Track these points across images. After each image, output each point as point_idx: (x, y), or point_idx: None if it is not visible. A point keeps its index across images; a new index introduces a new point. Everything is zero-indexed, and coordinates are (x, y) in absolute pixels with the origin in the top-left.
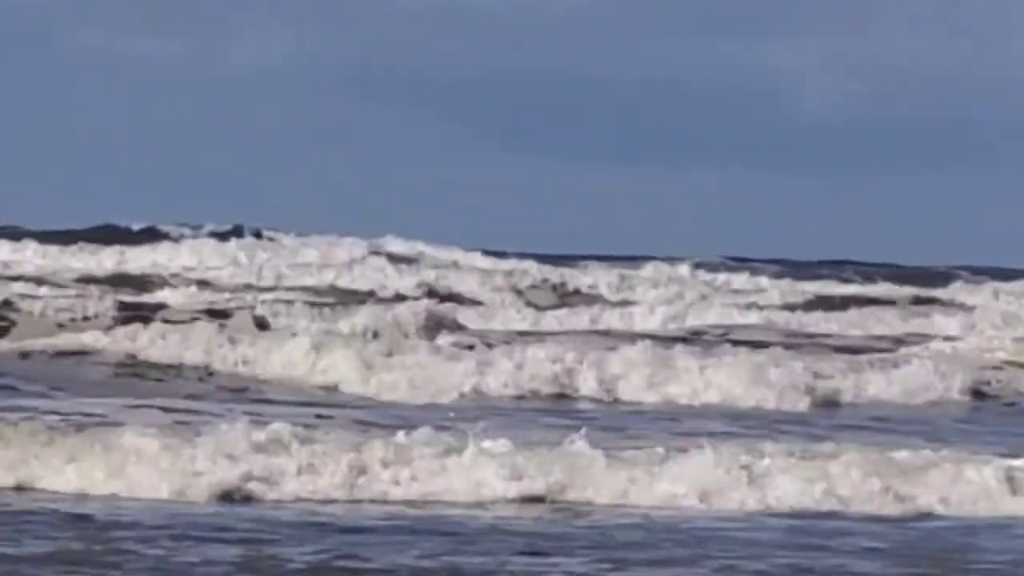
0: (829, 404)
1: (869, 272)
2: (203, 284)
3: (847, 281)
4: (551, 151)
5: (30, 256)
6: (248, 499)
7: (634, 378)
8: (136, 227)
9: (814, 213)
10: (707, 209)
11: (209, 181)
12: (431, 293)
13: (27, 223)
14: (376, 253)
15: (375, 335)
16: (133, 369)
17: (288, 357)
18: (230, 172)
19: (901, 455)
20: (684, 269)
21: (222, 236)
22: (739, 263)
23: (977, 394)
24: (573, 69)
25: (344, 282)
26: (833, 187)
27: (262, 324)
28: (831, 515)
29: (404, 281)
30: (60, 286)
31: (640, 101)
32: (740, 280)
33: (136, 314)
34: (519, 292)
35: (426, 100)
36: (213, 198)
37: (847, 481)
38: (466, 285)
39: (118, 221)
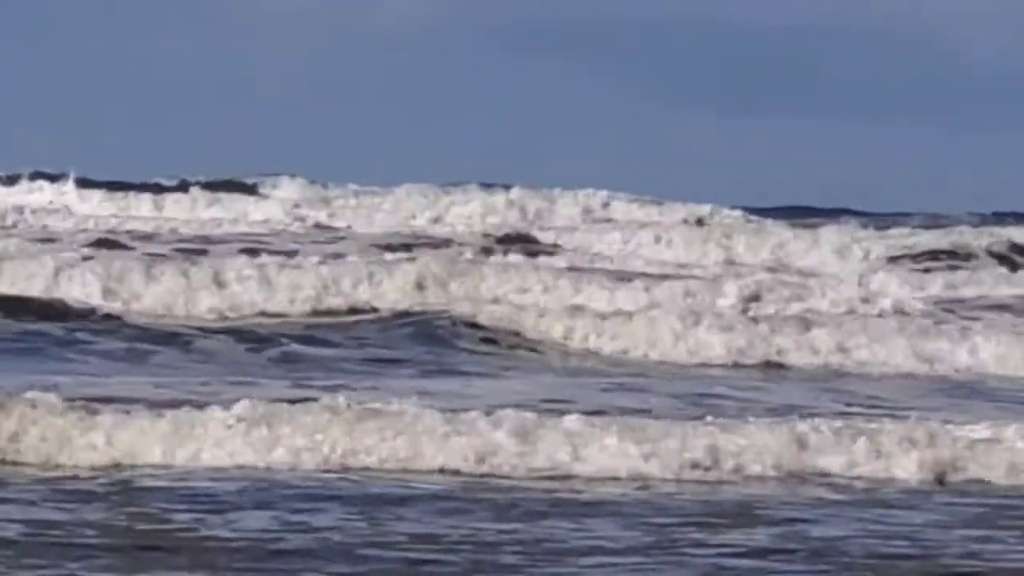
0: None
1: None
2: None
3: None
4: (704, 102)
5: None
6: None
7: None
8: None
9: (962, 166)
10: (864, 163)
11: (354, 135)
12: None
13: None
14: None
15: None
16: None
17: None
18: (377, 126)
19: None
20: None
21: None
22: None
23: None
24: (725, 17)
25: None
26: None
27: None
28: None
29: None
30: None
31: (796, 50)
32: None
33: None
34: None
35: (577, 51)
36: (355, 153)
37: None
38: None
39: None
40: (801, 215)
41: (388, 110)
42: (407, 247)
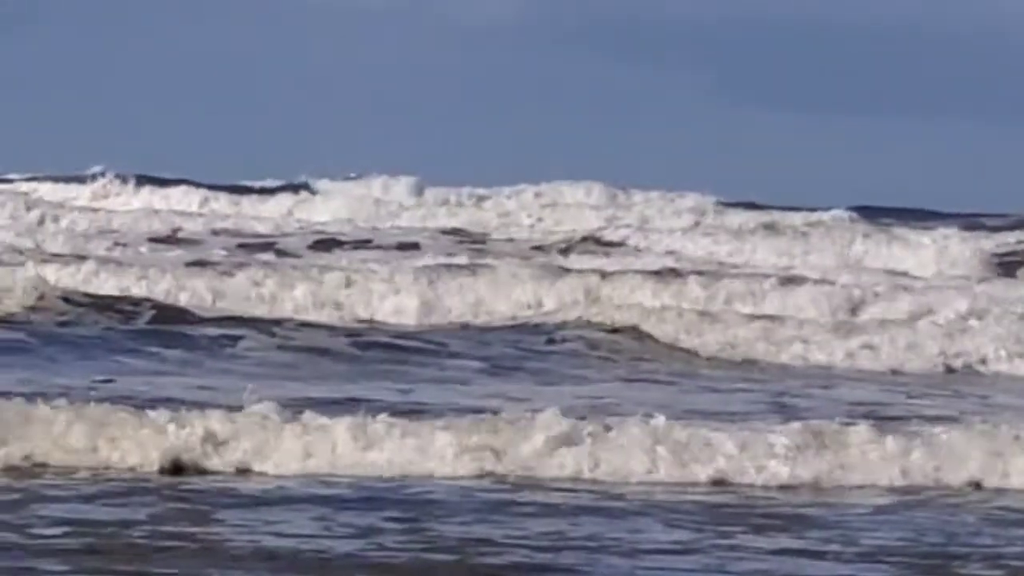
0: None
1: None
2: None
3: None
4: (784, 102)
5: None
6: None
7: None
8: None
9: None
10: (936, 162)
11: (431, 136)
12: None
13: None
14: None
15: None
16: None
17: None
18: (454, 127)
19: None
20: None
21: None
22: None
23: None
24: (804, 16)
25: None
26: None
27: None
28: None
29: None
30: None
31: (876, 49)
32: None
33: None
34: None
35: (654, 51)
36: (431, 153)
37: None
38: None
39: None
40: (878, 215)
41: (468, 111)
42: (478, 243)
